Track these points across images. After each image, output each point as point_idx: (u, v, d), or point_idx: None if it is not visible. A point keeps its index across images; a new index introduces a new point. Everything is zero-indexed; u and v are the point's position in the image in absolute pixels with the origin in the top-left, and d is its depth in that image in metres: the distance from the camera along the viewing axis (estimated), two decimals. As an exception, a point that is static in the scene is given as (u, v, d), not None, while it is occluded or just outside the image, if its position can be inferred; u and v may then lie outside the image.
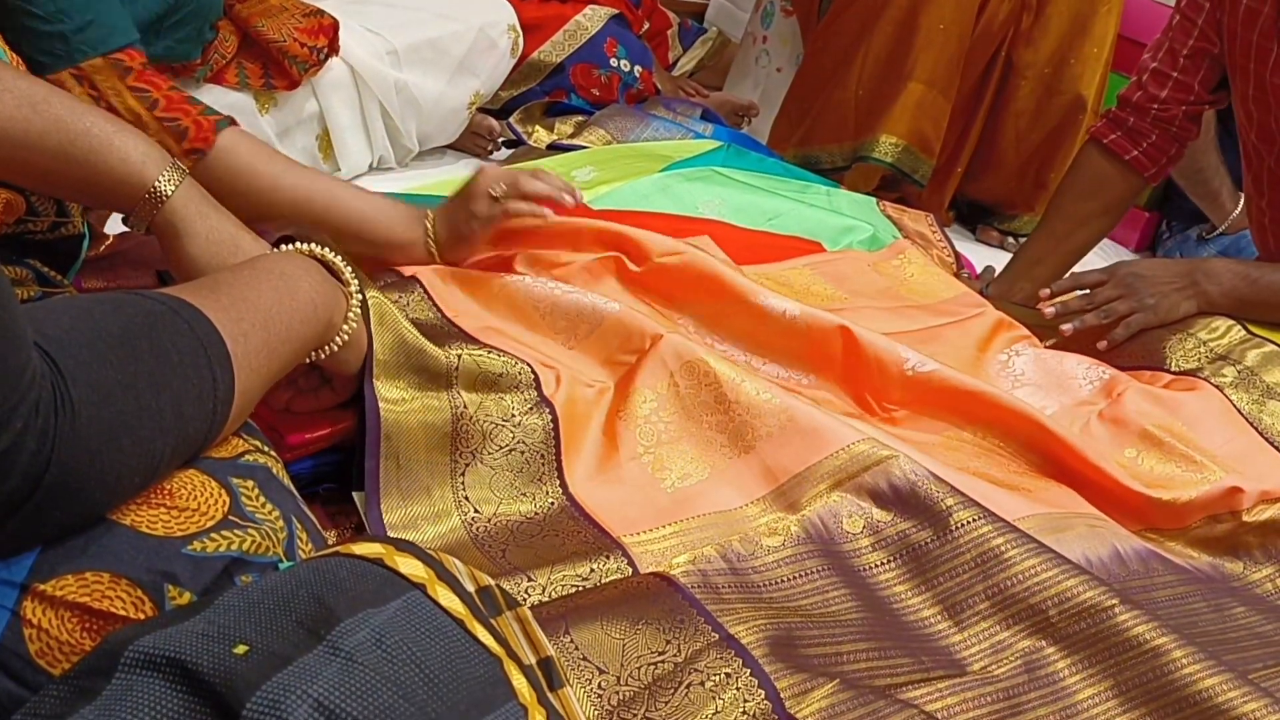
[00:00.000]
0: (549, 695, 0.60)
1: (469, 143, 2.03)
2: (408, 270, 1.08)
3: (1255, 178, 1.53)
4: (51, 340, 0.57)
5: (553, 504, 0.95)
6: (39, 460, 0.54)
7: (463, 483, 0.94)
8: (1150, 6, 2.30)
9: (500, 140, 2.05)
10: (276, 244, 0.89)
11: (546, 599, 0.83)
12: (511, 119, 2.02)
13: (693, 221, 1.42)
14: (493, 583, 0.65)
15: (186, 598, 0.60)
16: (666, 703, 0.74)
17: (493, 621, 0.61)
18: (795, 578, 0.91)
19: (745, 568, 0.90)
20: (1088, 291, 1.40)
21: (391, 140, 1.85)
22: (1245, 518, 1.12)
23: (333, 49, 1.68)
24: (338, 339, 0.86)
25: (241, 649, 0.52)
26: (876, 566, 0.94)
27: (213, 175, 0.93)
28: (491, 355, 0.99)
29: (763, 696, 0.76)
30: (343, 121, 1.76)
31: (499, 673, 0.57)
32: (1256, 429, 1.22)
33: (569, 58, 2.12)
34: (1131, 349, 1.36)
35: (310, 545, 0.70)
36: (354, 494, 0.91)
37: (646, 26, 2.46)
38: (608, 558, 0.89)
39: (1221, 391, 1.26)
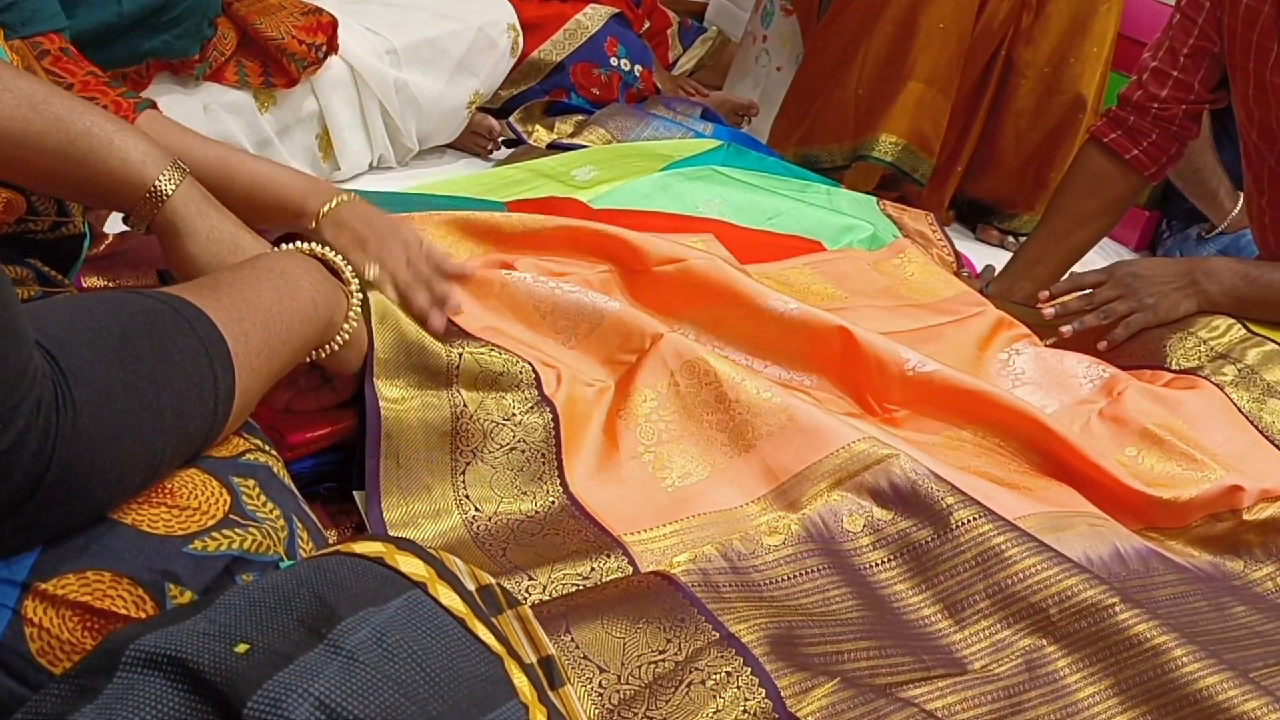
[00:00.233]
0: (550, 694, 0.60)
1: (469, 142, 2.03)
2: None
3: (1256, 176, 1.53)
4: (53, 339, 0.57)
5: (553, 503, 0.95)
6: (41, 459, 0.54)
7: (463, 481, 0.94)
8: (1150, 5, 2.30)
9: (500, 139, 2.05)
10: (276, 243, 0.89)
11: (547, 598, 0.83)
12: (511, 118, 2.02)
13: (693, 221, 1.42)
14: (493, 581, 0.65)
15: (187, 597, 0.60)
16: (667, 701, 0.74)
17: (493, 620, 0.61)
18: (796, 576, 0.91)
19: (746, 566, 0.90)
20: (1088, 292, 1.40)
21: (391, 139, 1.85)
22: (1246, 516, 1.12)
23: (331, 47, 1.68)
24: (338, 338, 0.86)
25: (243, 648, 0.52)
26: (877, 565, 0.94)
27: None
28: (493, 353, 0.99)
29: (763, 695, 0.76)
30: (342, 120, 1.76)
31: (500, 671, 0.57)
32: (1257, 427, 1.22)
33: (569, 57, 2.12)
34: (1132, 348, 1.36)
35: (311, 544, 0.70)
36: (354, 493, 0.91)
37: (647, 26, 2.46)
38: (608, 556, 0.89)
39: (1222, 390, 1.26)
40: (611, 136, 1.87)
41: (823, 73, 2.16)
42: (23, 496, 0.54)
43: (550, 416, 0.99)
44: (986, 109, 2.23)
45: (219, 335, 0.67)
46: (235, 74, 1.59)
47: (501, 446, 0.96)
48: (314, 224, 0.99)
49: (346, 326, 0.86)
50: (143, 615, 0.59)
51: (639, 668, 0.77)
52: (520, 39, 2.02)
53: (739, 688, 0.76)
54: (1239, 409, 1.24)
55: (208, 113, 1.56)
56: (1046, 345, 1.35)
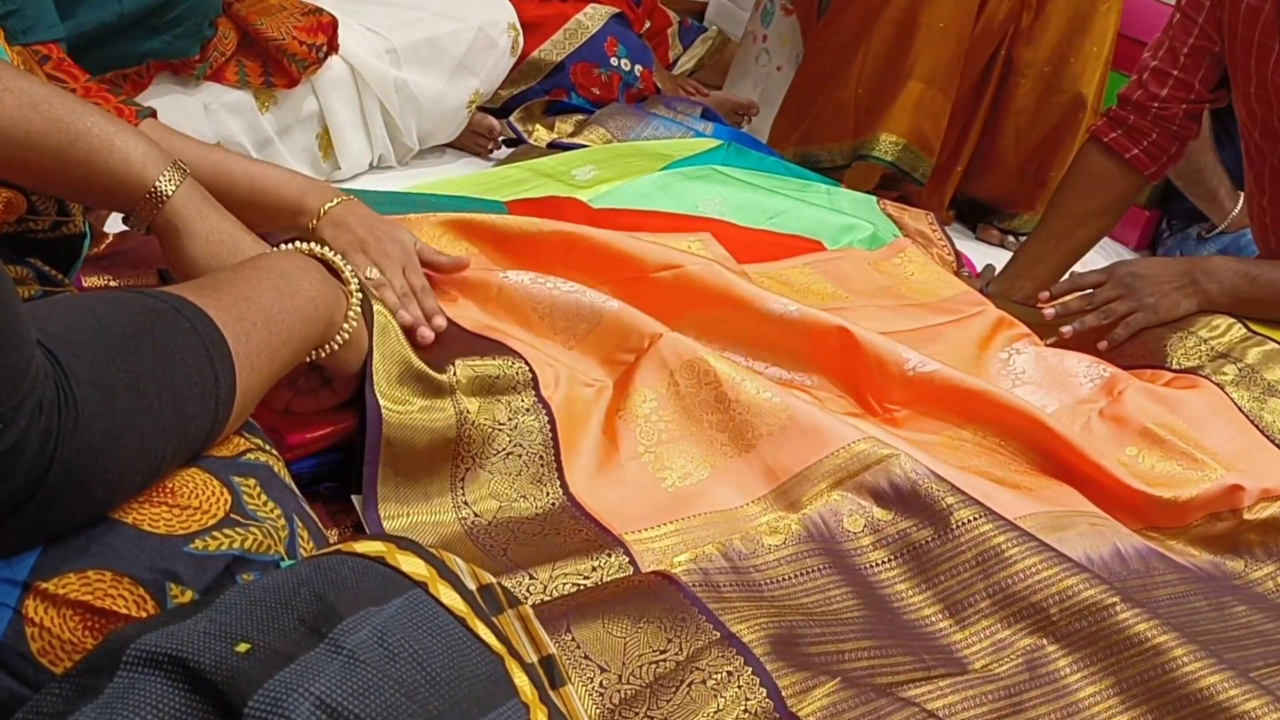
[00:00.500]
0: (551, 693, 0.60)
1: (469, 142, 2.03)
2: None
3: (1257, 175, 1.53)
4: (55, 339, 0.57)
5: (553, 504, 0.95)
6: (42, 459, 0.54)
7: (462, 487, 0.94)
8: (1150, 5, 2.30)
9: (500, 139, 2.05)
10: (277, 244, 0.89)
11: (548, 597, 0.83)
12: (512, 118, 2.02)
13: (693, 220, 1.42)
14: (494, 581, 0.65)
15: (188, 596, 0.60)
16: (668, 701, 0.74)
17: (494, 620, 0.61)
18: (796, 576, 0.91)
19: (746, 566, 0.90)
20: (1088, 292, 1.40)
21: (391, 139, 1.85)
22: (1246, 516, 1.12)
23: (332, 47, 1.68)
24: (338, 338, 0.86)
25: (243, 647, 0.52)
26: (877, 565, 0.94)
27: None
28: (485, 360, 0.99)
29: (764, 695, 0.76)
30: (342, 120, 1.76)
31: (501, 671, 0.57)
32: (1257, 426, 1.22)
33: (569, 56, 2.11)
34: (1132, 348, 1.36)
35: (312, 544, 0.70)
36: (353, 497, 0.91)
37: (647, 25, 2.46)
38: (609, 555, 0.89)
39: (1222, 389, 1.26)
40: (612, 136, 1.87)
41: (823, 72, 2.17)
42: (24, 496, 0.54)
43: (546, 419, 0.99)
44: (986, 108, 2.23)
45: (220, 335, 0.67)
46: (236, 74, 1.59)
47: (499, 451, 0.96)
48: (313, 223, 1.00)
49: (346, 326, 0.86)
50: (143, 615, 0.58)
51: (640, 667, 0.77)
52: (520, 38, 2.01)
53: (740, 687, 0.76)
54: (1239, 408, 1.24)
55: (208, 113, 1.56)
56: (1046, 345, 1.35)
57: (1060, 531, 0.99)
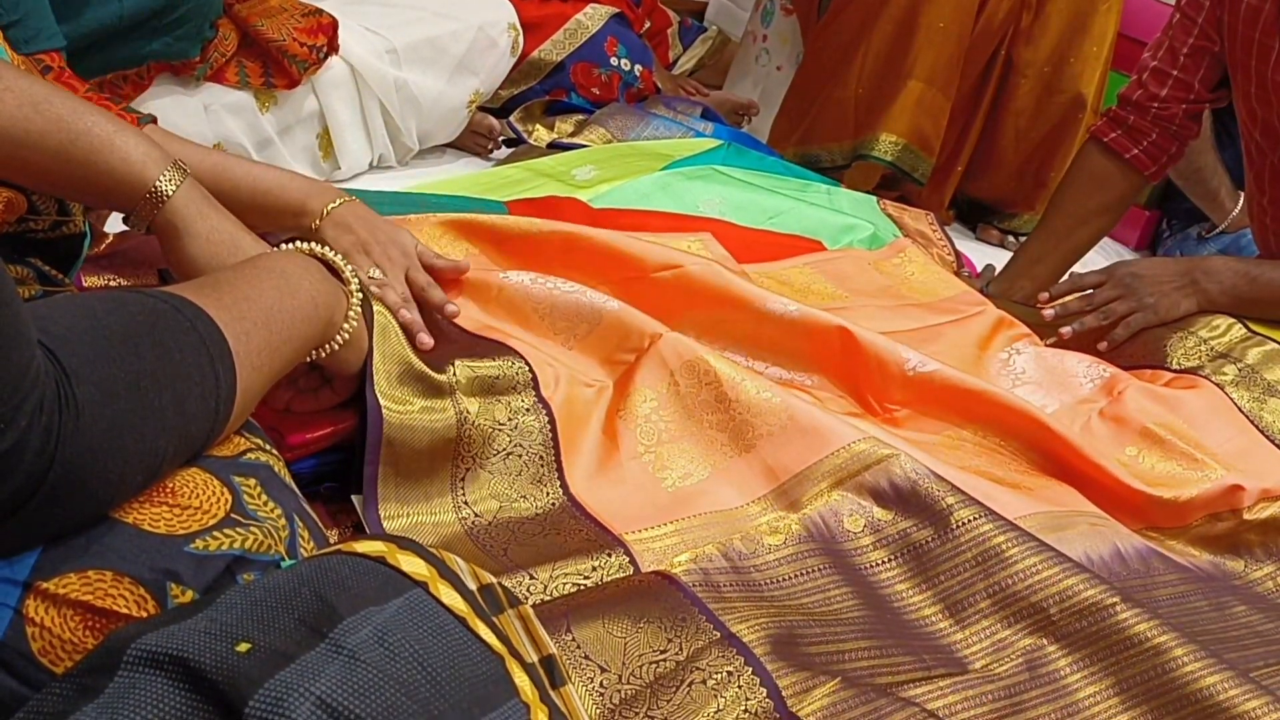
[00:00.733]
0: (551, 693, 0.60)
1: (469, 141, 2.03)
2: None
3: (1257, 175, 1.53)
4: (55, 338, 0.57)
5: (553, 504, 0.95)
6: (43, 459, 0.54)
7: (462, 487, 0.94)
8: (1150, 5, 2.30)
9: (500, 139, 2.05)
10: (277, 244, 0.89)
11: (548, 597, 0.83)
12: (512, 118, 2.02)
13: (693, 220, 1.42)
14: (495, 580, 0.65)
15: (189, 596, 0.60)
16: (668, 701, 0.74)
17: (495, 619, 0.61)
18: (797, 576, 0.91)
19: (747, 566, 0.90)
20: (1088, 292, 1.40)
21: (391, 139, 1.85)
22: (1246, 516, 1.12)
23: (332, 48, 1.68)
24: (338, 337, 0.86)
25: (244, 647, 0.52)
26: (878, 565, 0.94)
27: None
28: (484, 361, 0.99)
29: (764, 695, 0.76)
30: (343, 120, 1.76)
31: (501, 670, 0.57)
32: (1257, 426, 1.22)
33: (569, 56, 2.11)
34: (1132, 348, 1.36)
35: (312, 543, 0.70)
36: (353, 497, 0.91)
37: (647, 25, 2.46)
38: (609, 555, 0.89)
39: (1222, 389, 1.26)
40: (612, 136, 1.87)
41: (823, 72, 2.17)
42: (25, 496, 0.54)
43: (546, 419, 0.99)
44: (986, 108, 2.23)
45: (220, 334, 0.67)
46: (236, 75, 1.59)
47: (499, 452, 0.96)
48: (316, 224, 1.00)
49: (346, 326, 0.86)
50: (144, 614, 0.58)
51: (640, 667, 0.77)
52: (520, 38, 2.02)
53: (740, 687, 0.76)
54: (1239, 408, 1.24)
55: (208, 113, 1.57)
56: (1046, 345, 1.35)
57: (1060, 531, 0.99)
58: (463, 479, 0.94)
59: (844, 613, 0.89)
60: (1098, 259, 1.88)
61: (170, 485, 0.64)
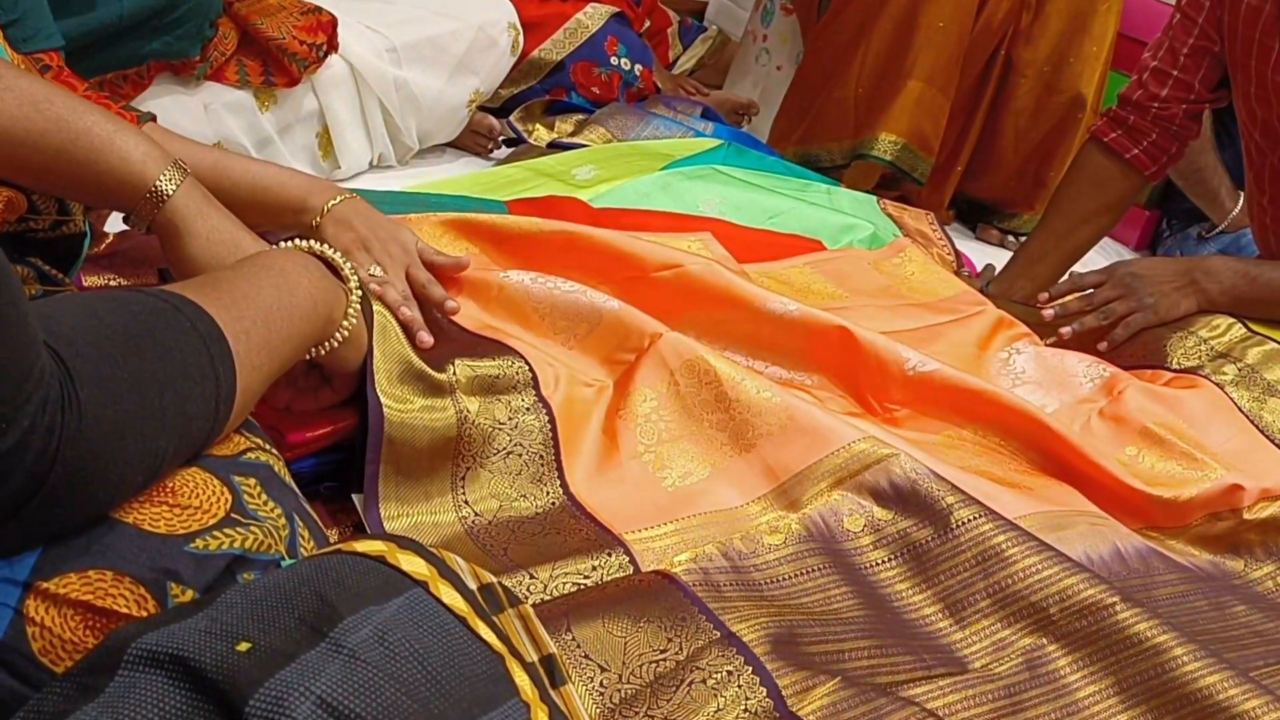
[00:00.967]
0: (551, 693, 0.60)
1: (469, 141, 2.03)
2: None
3: (1257, 175, 1.53)
4: (59, 339, 0.57)
5: (553, 503, 0.95)
6: (45, 459, 0.54)
7: (462, 487, 0.94)
8: (1150, 5, 2.30)
9: (500, 138, 2.05)
10: (276, 242, 0.89)
11: (548, 596, 0.83)
12: (512, 117, 2.02)
13: (693, 220, 1.42)
14: (495, 580, 0.65)
15: (189, 595, 0.60)
16: (668, 700, 0.74)
17: (495, 619, 0.61)
18: (797, 576, 0.91)
19: (747, 566, 0.91)
20: (1088, 293, 1.40)
21: (391, 138, 1.85)
22: (1246, 515, 1.12)
23: (332, 46, 1.68)
24: (337, 335, 0.86)
25: (244, 646, 0.52)
26: (877, 565, 0.94)
27: None
28: (484, 360, 0.99)
29: (764, 694, 0.76)
30: (343, 119, 1.76)
31: (501, 670, 0.57)
32: (1257, 426, 1.22)
33: (569, 56, 2.11)
34: (1132, 348, 1.36)
35: (312, 543, 0.70)
36: (353, 496, 0.91)
37: (647, 25, 2.46)
38: (609, 554, 0.89)
39: (1222, 389, 1.26)
40: (612, 135, 1.87)
41: (823, 72, 2.17)
42: (26, 496, 0.54)
43: (546, 418, 0.99)
44: (986, 108, 2.23)
45: (220, 333, 0.67)
46: (236, 74, 1.59)
47: (499, 451, 0.96)
48: (317, 221, 1.00)
49: (346, 324, 0.86)
50: (144, 614, 0.58)
51: (640, 666, 0.77)
52: (520, 38, 2.01)
53: (740, 687, 0.76)
54: (1239, 408, 1.24)
55: (208, 112, 1.57)
56: (1046, 344, 1.35)
57: (1060, 531, 0.99)
58: (463, 478, 0.94)
59: (844, 612, 0.89)
60: (1098, 259, 1.88)
61: (170, 485, 0.64)
